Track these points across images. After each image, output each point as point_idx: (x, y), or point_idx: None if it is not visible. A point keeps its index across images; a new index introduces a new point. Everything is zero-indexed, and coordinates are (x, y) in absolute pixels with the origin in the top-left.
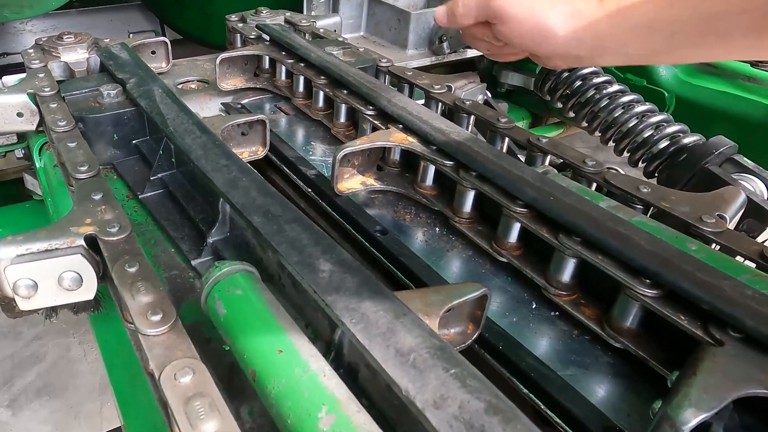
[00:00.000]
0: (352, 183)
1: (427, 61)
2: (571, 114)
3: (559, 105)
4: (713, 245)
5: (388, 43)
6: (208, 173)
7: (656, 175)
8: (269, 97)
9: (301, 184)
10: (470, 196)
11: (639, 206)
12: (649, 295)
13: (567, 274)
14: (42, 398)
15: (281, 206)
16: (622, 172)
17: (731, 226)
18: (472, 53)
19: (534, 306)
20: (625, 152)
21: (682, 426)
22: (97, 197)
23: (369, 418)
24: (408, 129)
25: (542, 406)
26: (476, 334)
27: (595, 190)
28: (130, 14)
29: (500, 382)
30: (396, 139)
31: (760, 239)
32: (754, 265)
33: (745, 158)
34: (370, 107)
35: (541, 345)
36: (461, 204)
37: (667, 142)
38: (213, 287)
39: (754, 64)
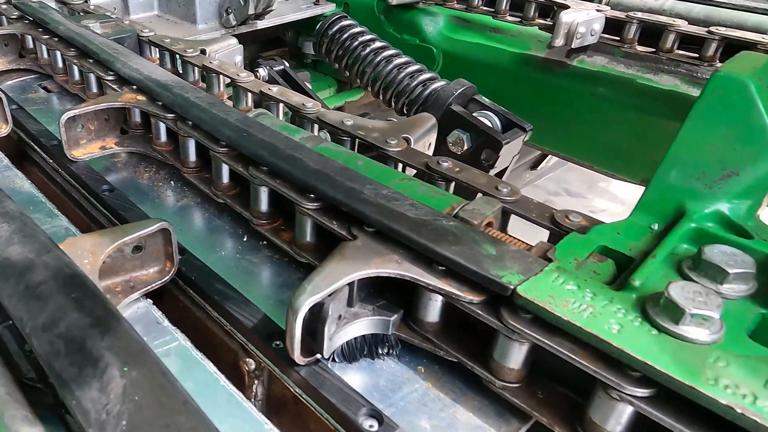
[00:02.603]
0: (90, 148)
1: (217, 35)
2: (347, 73)
3: (336, 66)
4: (399, 164)
5: (179, 20)
6: None
7: None
8: (35, 77)
9: (44, 155)
10: (191, 145)
11: (346, 138)
12: (312, 207)
13: (263, 204)
14: None
15: None
16: None
17: (423, 145)
18: (263, 24)
19: (245, 239)
20: (392, 102)
21: (297, 310)
22: None
23: None
24: (140, 89)
25: (226, 323)
26: (174, 269)
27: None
28: None
29: (196, 307)
30: (125, 99)
31: (500, 166)
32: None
33: (483, 97)
34: (111, 73)
35: (243, 272)
36: (186, 154)
37: (421, 89)
38: None
39: (495, 15)
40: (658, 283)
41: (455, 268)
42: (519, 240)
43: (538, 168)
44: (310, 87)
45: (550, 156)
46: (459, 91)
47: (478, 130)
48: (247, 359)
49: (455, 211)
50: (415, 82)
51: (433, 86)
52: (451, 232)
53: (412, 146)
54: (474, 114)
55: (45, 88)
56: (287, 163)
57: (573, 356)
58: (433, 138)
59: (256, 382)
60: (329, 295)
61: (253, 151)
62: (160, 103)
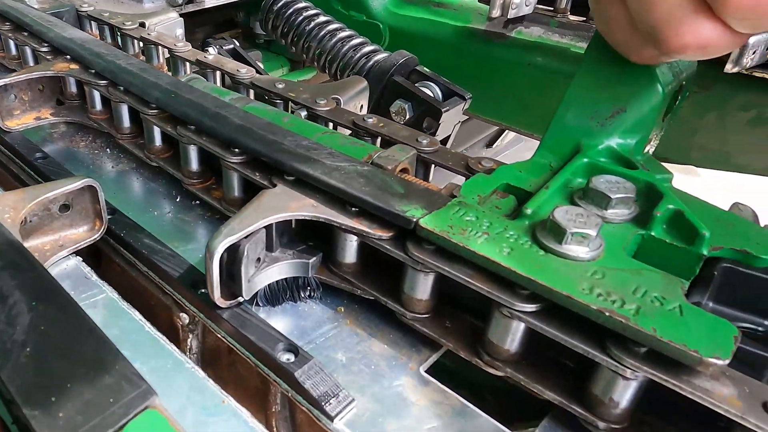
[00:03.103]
0: (25, 119)
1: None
2: (293, 49)
3: (283, 42)
4: (330, 124)
5: None
6: None
7: None
8: None
9: None
10: (124, 110)
11: (279, 101)
12: (236, 161)
13: (194, 163)
14: None
15: None
16: None
17: (355, 107)
18: (212, 2)
19: (178, 199)
20: (338, 75)
21: (213, 252)
22: None
23: None
24: (73, 58)
25: (155, 276)
26: (103, 228)
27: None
28: None
29: (129, 266)
30: (58, 68)
31: (442, 135)
32: (349, 132)
33: (425, 68)
34: (45, 44)
35: (175, 229)
36: (120, 120)
37: (364, 61)
38: None
39: None
40: (550, 211)
41: (365, 207)
42: (433, 185)
43: (494, 145)
44: (262, 66)
45: (506, 133)
46: (400, 62)
47: (419, 100)
48: (181, 314)
49: (372, 159)
50: (358, 55)
51: (376, 58)
52: (363, 175)
53: (342, 107)
54: (416, 84)
55: None
56: (212, 120)
57: (470, 280)
58: (364, 100)
59: (190, 336)
60: (245, 237)
61: (180, 110)
62: (92, 71)
